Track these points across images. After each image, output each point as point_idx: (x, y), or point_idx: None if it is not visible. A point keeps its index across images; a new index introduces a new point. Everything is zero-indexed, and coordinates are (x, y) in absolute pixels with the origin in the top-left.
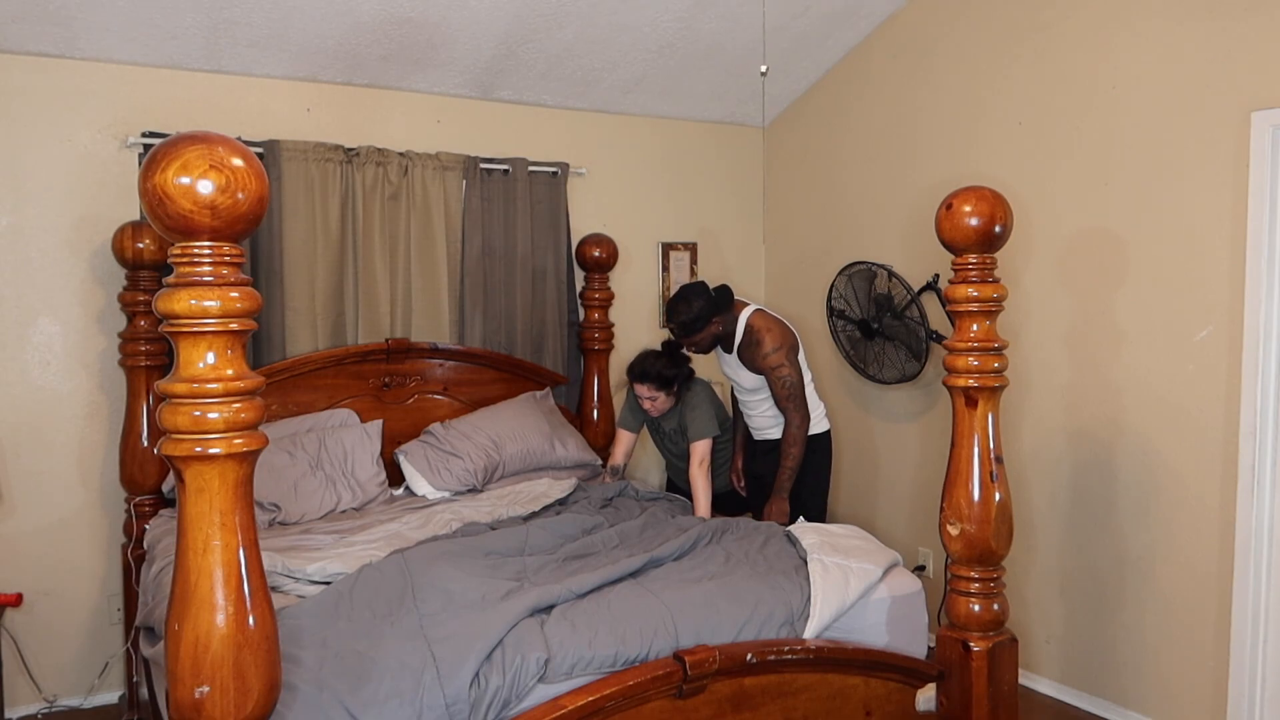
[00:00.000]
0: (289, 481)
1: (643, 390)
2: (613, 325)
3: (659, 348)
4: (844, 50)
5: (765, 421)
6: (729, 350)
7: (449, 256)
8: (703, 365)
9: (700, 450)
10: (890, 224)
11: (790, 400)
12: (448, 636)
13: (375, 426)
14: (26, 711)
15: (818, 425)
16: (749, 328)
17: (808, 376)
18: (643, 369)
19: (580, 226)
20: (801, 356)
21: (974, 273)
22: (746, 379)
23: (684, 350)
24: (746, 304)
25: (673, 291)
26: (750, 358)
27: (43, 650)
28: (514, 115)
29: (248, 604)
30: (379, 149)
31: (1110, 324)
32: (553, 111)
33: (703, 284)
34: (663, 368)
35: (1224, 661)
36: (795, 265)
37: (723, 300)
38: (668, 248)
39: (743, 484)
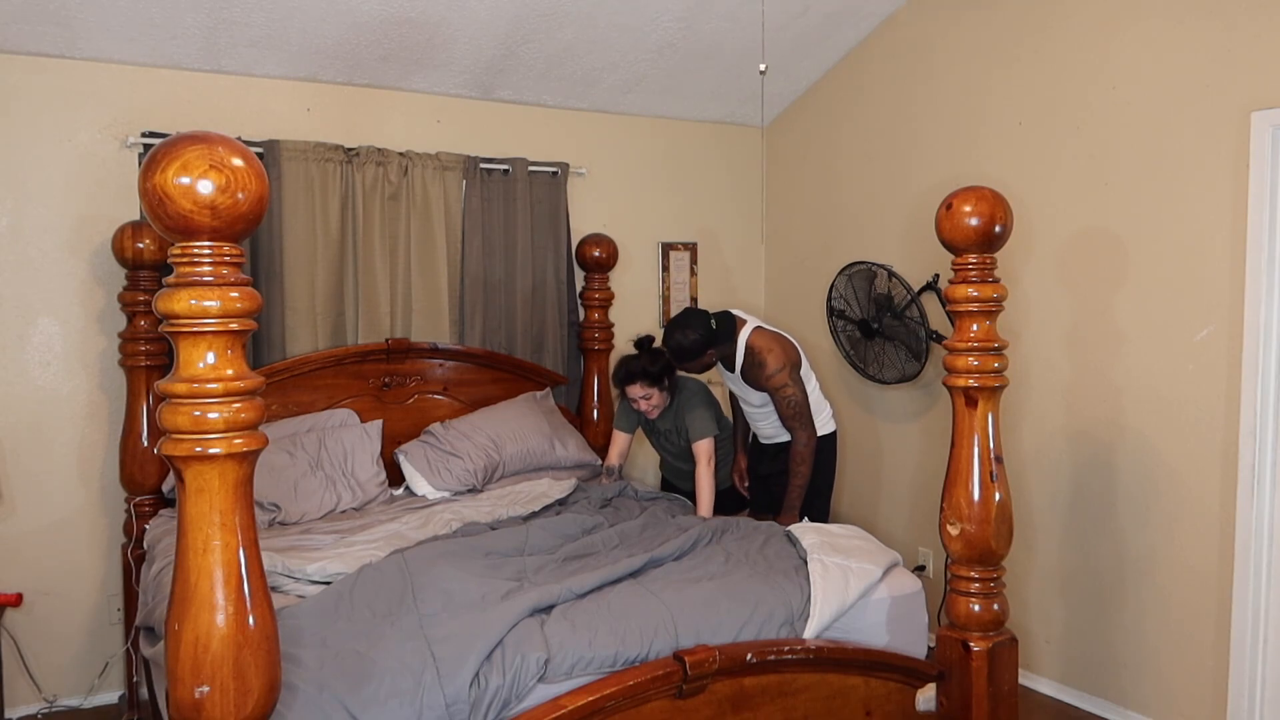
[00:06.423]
0: (289, 481)
1: (635, 391)
2: (613, 325)
3: (633, 349)
4: (844, 50)
5: (775, 430)
6: (731, 369)
7: (449, 256)
8: None
9: (705, 450)
10: (890, 224)
11: (796, 419)
12: (448, 636)
13: (375, 426)
14: (26, 711)
15: (824, 427)
16: (750, 349)
17: (813, 383)
18: (627, 371)
19: (580, 226)
20: (805, 365)
21: (974, 273)
22: (753, 396)
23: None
24: (746, 321)
25: (672, 291)
26: (754, 379)
27: (43, 650)
28: (514, 115)
29: (248, 604)
30: (379, 149)
31: (1110, 324)
32: (553, 111)
33: (704, 313)
34: (646, 365)
35: (1224, 661)
36: (795, 265)
37: (722, 332)
38: (668, 248)
39: (746, 484)
